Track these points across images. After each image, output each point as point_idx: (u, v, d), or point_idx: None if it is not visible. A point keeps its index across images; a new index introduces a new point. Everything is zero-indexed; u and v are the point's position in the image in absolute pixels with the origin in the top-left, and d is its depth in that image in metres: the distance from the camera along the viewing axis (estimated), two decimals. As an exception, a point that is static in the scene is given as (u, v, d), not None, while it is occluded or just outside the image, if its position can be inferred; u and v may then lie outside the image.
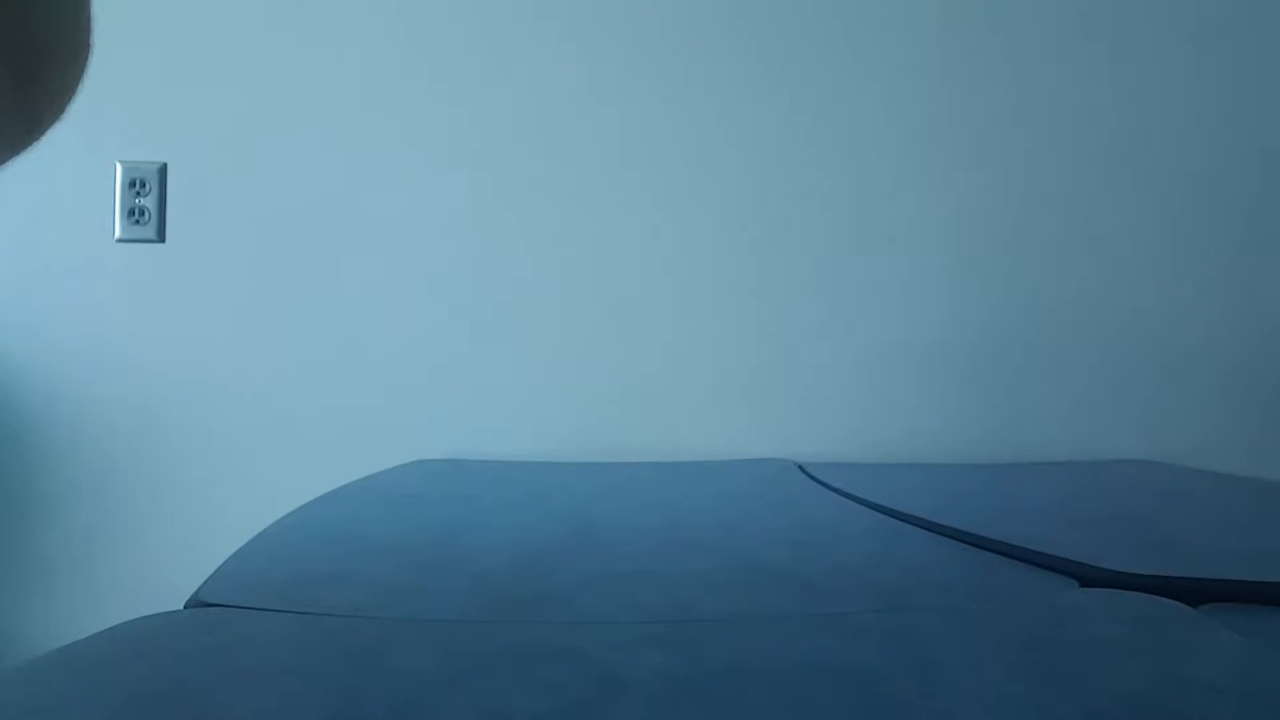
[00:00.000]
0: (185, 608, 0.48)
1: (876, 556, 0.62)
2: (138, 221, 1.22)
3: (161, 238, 1.23)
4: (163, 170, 1.23)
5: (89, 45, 0.26)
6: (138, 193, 1.22)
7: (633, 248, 1.24)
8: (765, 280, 1.27)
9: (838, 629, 0.43)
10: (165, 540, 1.20)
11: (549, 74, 1.24)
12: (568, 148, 1.23)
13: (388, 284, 1.24)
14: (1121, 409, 1.28)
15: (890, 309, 1.28)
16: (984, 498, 0.90)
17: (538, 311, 1.24)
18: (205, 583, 0.52)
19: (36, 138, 0.25)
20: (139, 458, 1.22)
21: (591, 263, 1.24)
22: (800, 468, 1.12)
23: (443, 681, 0.36)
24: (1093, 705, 0.33)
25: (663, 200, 1.26)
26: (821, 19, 1.29)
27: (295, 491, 0.85)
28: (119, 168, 1.22)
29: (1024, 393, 1.28)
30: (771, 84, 1.29)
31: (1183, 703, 0.34)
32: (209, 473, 1.22)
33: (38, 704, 0.34)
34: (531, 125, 1.24)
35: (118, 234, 1.22)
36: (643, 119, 1.26)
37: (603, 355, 1.23)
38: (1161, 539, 0.65)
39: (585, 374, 1.23)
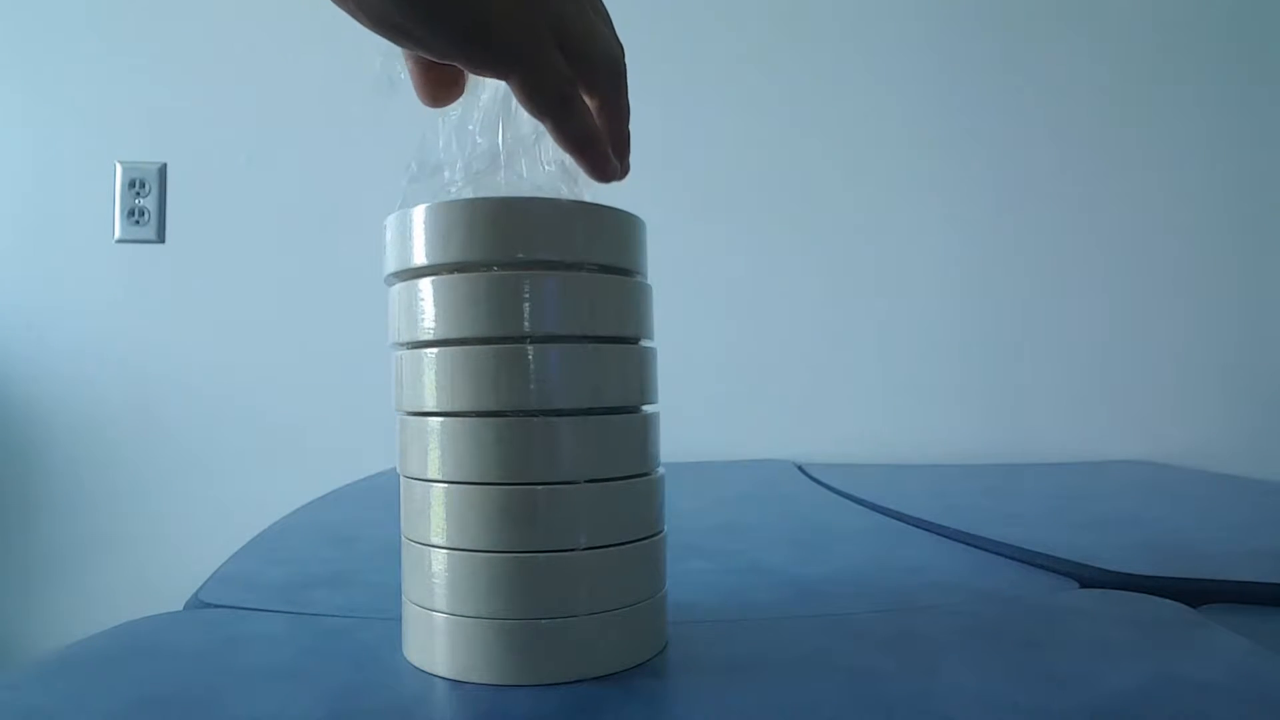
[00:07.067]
0: (185, 608, 0.48)
1: (876, 557, 0.62)
2: (138, 221, 1.22)
3: (161, 238, 1.23)
4: (163, 170, 1.23)
5: None
6: (138, 193, 1.22)
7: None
8: (765, 280, 1.27)
9: (837, 630, 0.43)
10: (165, 540, 1.20)
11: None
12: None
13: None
14: (1121, 409, 1.28)
15: (890, 309, 1.28)
16: (984, 498, 0.90)
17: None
18: (205, 583, 0.52)
19: None
20: (138, 458, 1.22)
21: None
22: (800, 468, 1.12)
23: (443, 682, 0.36)
24: (1093, 705, 0.33)
25: (662, 201, 1.26)
26: (835, 23, 1.29)
27: (295, 492, 0.86)
28: (119, 168, 1.22)
29: (1024, 393, 1.28)
30: (776, 82, 1.29)
31: (1183, 703, 0.34)
32: (209, 473, 1.22)
33: (37, 705, 0.34)
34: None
35: (118, 234, 1.22)
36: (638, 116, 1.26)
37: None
38: (1161, 539, 0.65)
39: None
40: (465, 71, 0.38)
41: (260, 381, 1.23)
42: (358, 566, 0.57)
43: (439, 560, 0.36)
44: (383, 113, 1.27)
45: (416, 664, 0.37)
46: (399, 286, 0.39)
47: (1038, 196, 1.29)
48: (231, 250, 1.24)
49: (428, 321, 0.37)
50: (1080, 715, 0.32)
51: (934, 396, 1.27)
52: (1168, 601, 0.47)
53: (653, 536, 0.39)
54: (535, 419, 0.36)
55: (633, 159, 0.39)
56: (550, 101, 0.35)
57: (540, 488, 0.36)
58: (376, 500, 0.84)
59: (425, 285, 0.37)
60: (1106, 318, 1.29)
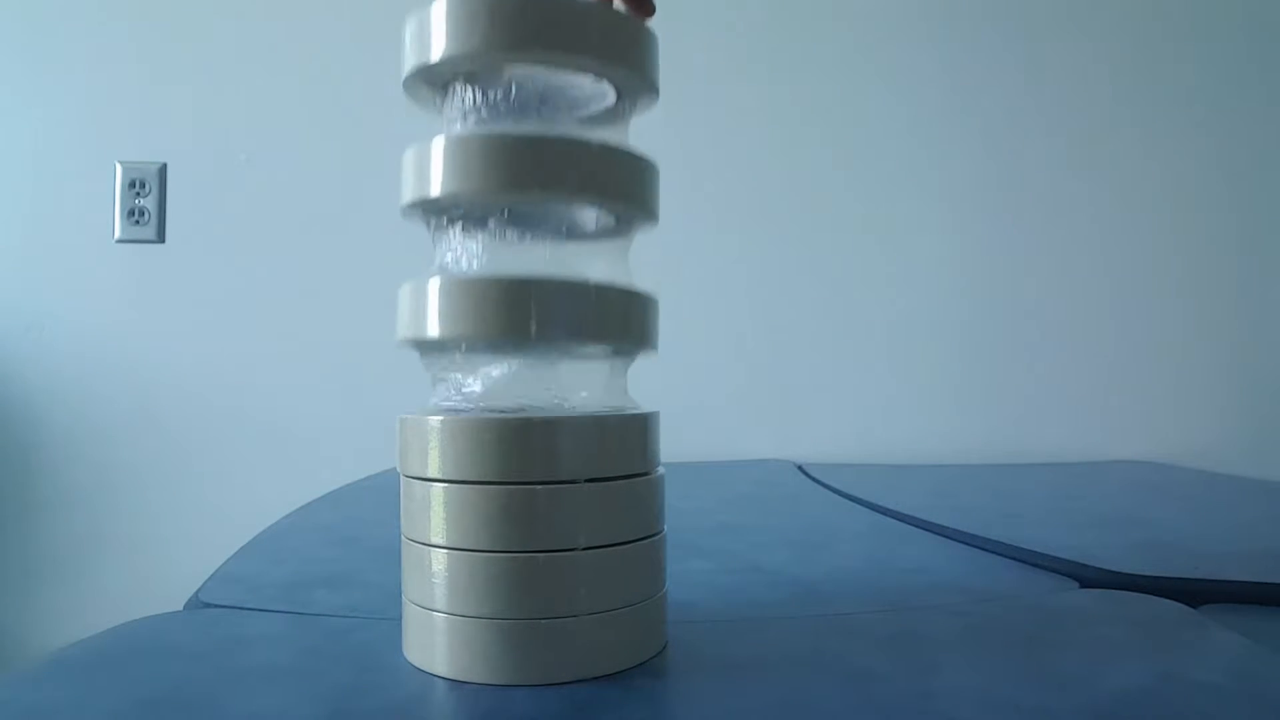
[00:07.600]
0: (185, 608, 0.48)
1: (876, 557, 0.62)
2: (138, 222, 1.22)
3: (161, 238, 1.23)
4: (163, 170, 1.23)
5: None
6: (138, 193, 1.22)
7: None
8: (765, 279, 1.27)
9: (837, 630, 0.43)
10: (164, 541, 1.20)
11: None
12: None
13: (388, 284, 1.24)
14: (1121, 409, 1.28)
15: (891, 309, 1.28)
16: (984, 498, 0.90)
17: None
18: (205, 583, 0.52)
19: None
20: (138, 458, 1.22)
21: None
22: (800, 468, 1.12)
23: (443, 682, 0.36)
24: (1093, 705, 0.33)
25: (661, 201, 1.26)
26: (837, 22, 1.29)
27: (296, 492, 0.85)
28: (119, 168, 1.22)
29: (1024, 393, 1.28)
30: (776, 81, 1.29)
31: (1183, 703, 0.34)
32: (209, 473, 1.22)
33: (37, 705, 0.34)
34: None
35: (118, 234, 1.22)
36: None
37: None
38: (1161, 539, 0.65)
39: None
40: None
41: (260, 381, 1.23)
42: (358, 566, 0.57)
43: (439, 560, 0.36)
44: (383, 113, 1.27)
45: (416, 664, 0.37)
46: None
47: (1038, 196, 1.29)
48: (231, 250, 1.24)
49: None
50: (1080, 715, 0.32)
51: (934, 396, 1.27)
52: (1168, 601, 0.47)
53: (653, 536, 0.39)
54: (534, 418, 0.36)
55: None
56: None
57: (540, 488, 0.36)
58: (376, 500, 0.84)
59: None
60: (1106, 318, 1.29)
